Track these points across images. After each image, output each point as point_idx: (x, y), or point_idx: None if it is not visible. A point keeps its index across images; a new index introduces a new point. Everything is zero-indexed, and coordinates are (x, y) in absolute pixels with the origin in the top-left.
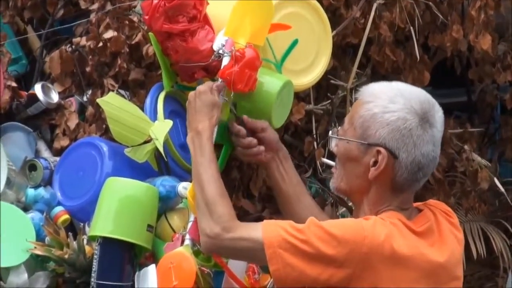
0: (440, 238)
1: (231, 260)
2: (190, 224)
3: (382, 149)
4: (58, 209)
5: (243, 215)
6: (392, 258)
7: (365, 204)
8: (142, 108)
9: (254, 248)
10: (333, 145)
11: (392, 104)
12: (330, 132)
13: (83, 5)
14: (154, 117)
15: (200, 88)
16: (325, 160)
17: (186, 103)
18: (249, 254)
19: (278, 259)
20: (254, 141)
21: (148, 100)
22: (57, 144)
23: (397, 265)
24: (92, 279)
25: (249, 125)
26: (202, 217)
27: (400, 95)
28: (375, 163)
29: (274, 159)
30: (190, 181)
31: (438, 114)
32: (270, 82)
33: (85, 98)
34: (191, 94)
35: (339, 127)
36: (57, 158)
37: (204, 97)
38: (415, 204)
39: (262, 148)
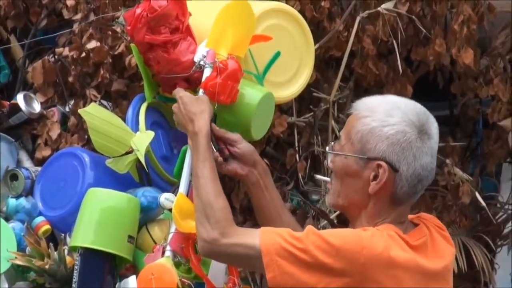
0: (434, 251)
1: (212, 271)
2: (171, 236)
3: (382, 163)
4: (39, 219)
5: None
6: (389, 265)
7: (362, 217)
8: (124, 119)
9: (251, 255)
10: (329, 160)
11: (390, 117)
12: (327, 148)
13: (66, 15)
14: (135, 128)
15: (179, 93)
16: (319, 176)
17: (167, 115)
18: (245, 260)
19: (275, 267)
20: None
21: (130, 111)
22: (38, 154)
23: (394, 271)
24: None
25: (217, 134)
26: (199, 221)
27: (397, 108)
28: (376, 177)
29: (252, 172)
30: (172, 192)
31: (434, 125)
32: (250, 93)
33: (67, 108)
34: (175, 105)
35: (334, 142)
36: (39, 168)
37: (185, 99)
38: (409, 218)
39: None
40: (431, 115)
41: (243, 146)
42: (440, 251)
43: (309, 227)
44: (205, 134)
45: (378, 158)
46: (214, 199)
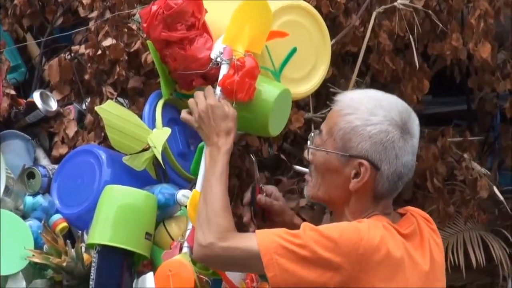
0: (421, 242)
1: None
2: (188, 232)
3: (364, 162)
4: (56, 217)
5: (241, 223)
6: (386, 259)
7: (346, 213)
8: (140, 116)
9: (249, 257)
10: (310, 153)
11: (373, 116)
12: (309, 142)
13: (82, 13)
14: (152, 125)
15: (211, 102)
16: (298, 167)
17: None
18: (243, 262)
19: (275, 266)
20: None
21: (146, 108)
22: (55, 152)
23: (391, 266)
24: (90, 287)
25: (263, 204)
26: (199, 227)
27: (380, 106)
28: (357, 175)
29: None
30: (189, 189)
31: (415, 122)
32: (267, 90)
33: (84, 106)
34: (203, 107)
35: (314, 135)
36: (56, 166)
37: (218, 111)
38: (397, 210)
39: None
40: (412, 111)
41: (284, 219)
42: (426, 242)
43: (305, 224)
44: (226, 151)
45: (361, 157)
46: (221, 211)
